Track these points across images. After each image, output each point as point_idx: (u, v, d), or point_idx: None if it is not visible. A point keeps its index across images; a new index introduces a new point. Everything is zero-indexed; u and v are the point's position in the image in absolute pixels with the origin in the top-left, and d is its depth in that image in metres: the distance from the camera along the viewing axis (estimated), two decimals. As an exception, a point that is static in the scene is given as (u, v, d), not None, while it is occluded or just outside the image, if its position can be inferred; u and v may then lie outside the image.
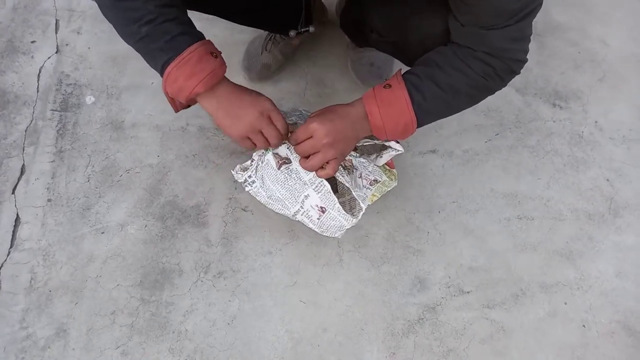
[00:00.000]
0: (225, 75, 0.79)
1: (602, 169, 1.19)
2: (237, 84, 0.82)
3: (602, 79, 1.31)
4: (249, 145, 0.84)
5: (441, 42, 0.81)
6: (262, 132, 0.82)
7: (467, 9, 0.72)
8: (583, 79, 1.31)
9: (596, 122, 1.25)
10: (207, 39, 0.78)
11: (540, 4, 0.71)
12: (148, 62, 0.77)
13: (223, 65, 0.78)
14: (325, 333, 0.98)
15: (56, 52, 1.27)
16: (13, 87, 1.21)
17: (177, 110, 0.86)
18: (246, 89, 0.82)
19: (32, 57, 1.26)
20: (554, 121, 1.25)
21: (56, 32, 1.30)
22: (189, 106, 0.86)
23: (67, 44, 1.29)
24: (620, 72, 1.33)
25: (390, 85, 0.80)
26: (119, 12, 0.72)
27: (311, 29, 1.11)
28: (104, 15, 0.75)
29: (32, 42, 1.28)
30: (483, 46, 0.75)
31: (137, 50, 0.75)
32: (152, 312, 0.98)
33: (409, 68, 0.84)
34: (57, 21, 1.32)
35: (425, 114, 0.81)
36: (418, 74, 0.80)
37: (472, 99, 0.83)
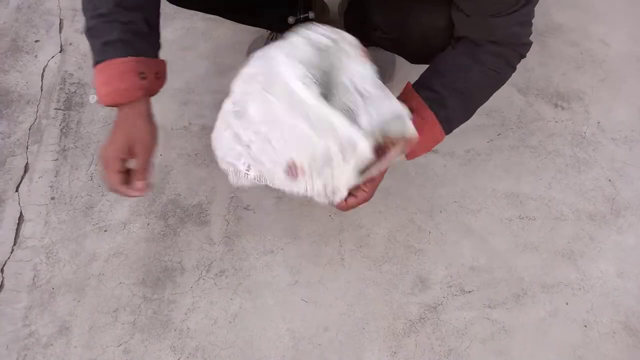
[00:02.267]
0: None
1: (603, 169, 1.19)
2: (148, 115, 0.77)
3: (603, 80, 1.31)
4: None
5: (444, 37, 0.82)
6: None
7: None
8: (584, 79, 1.32)
9: (598, 122, 1.25)
10: (157, 57, 0.77)
11: None
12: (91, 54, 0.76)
13: (142, 89, 0.74)
14: (327, 332, 0.98)
15: (60, 52, 1.28)
16: (17, 87, 1.22)
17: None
18: (147, 121, 0.77)
19: (35, 56, 1.27)
20: (555, 121, 1.25)
21: (60, 32, 1.31)
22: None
23: (70, 44, 1.30)
24: (621, 72, 1.33)
25: (413, 111, 0.74)
26: None
27: (311, 14, 1.11)
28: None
29: (36, 41, 1.29)
30: (491, 35, 0.75)
31: (87, 38, 0.75)
32: (154, 310, 0.98)
33: (411, 65, 0.84)
34: (61, 21, 1.33)
35: (451, 124, 0.82)
36: (435, 88, 0.79)
37: (489, 95, 0.83)
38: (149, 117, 0.77)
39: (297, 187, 0.71)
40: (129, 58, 0.71)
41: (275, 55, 0.67)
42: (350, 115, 0.66)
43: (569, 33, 1.40)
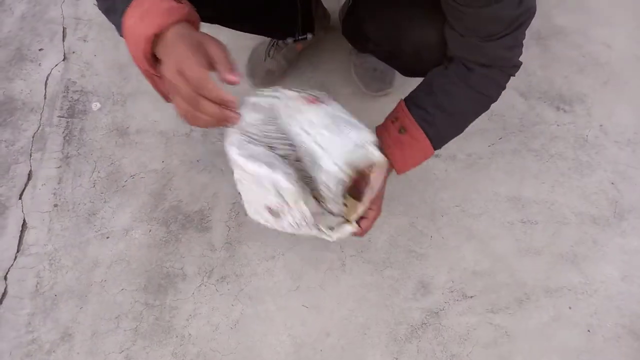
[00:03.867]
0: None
1: (606, 172, 1.18)
2: (194, 33, 0.63)
3: (606, 82, 1.31)
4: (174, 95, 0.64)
5: (436, 53, 0.82)
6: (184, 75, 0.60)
7: (463, 17, 0.73)
8: (587, 82, 1.31)
9: (601, 125, 1.24)
10: None
11: (535, 12, 0.72)
12: (115, 26, 0.67)
13: (186, 8, 0.63)
14: (328, 338, 0.98)
15: (63, 60, 1.29)
16: (21, 94, 1.23)
17: (166, 98, 0.72)
18: (194, 33, 0.63)
19: (39, 64, 1.28)
20: (558, 125, 1.25)
21: (63, 40, 1.32)
22: None
23: (73, 52, 1.31)
24: (624, 75, 1.32)
25: (405, 129, 0.80)
26: None
27: (309, 36, 1.12)
28: None
29: (40, 50, 1.31)
30: (482, 57, 0.76)
31: (106, 13, 0.68)
32: (156, 316, 0.99)
33: (398, 93, 0.86)
34: (64, 29, 1.34)
35: (440, 143, 0.84)
36: (426, 107, 0.81)
37: (479, 114, 0.86)
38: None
39: (285, 224, 0.77)
40: None
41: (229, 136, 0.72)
42: (311, 160, 0.70)
43: (571, 36, 1.39)
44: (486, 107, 0.85)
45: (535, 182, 1.17)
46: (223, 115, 0.63)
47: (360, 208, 0.78)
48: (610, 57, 1.35)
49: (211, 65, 0.61)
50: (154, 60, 0.63)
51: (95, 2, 0.69)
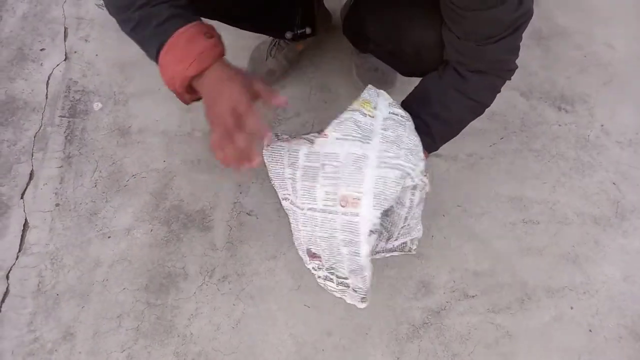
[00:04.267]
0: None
1: (608, 172, 1.18)
2: (235, 67, 0.71)
3: (608, 83, 1.31)
4: (220, 133, 0.68)
5: (435, 53, 0.83)
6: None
7: (461, 20, 0.73)
8: (589, 82, 1.31)
9: (602, 125, 1.24)
10: (204, 22, 0.72)
11: (532, 15, 0.72)
12: (147, 54, 0.73)
13: (218, 46, 0.70)
14: (330, 337, 0.98)
15: (65, 60, 1.29)
16: (22, 94, 1.23)
17: (186, 102, 0.77)
18: (239, 72, 0.71)
19: (41, 64, 1.28)
20: (559, 125, 1.25)
21: (65, 40, 1.33)
22: (199, 98, 0.76)
23: (75, 52, 1.31)
24: (626, 75, 1.32)
25: None
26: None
27: (307, 30, 1.12)
28: (106, 6, 0.73)
29: (42, 49, 1.31)
30: (478, 61, 0.77)
31: (134, 40, 0.72)
32: (157, 315, 0.99)
33: (399, 93, 0.88)
34: (65, 29, 1.34)
35: (434, 148, 0.87)
36: (424, 118, 0.83)
37: (472, 119, 0.88)
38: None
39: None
40: (187, 26, 0.68)
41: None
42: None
43: (573, 36, 1.39)
44: (480, 112, 0.87)
45: (536, 182, 1.17)
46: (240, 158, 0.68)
47: None
48: (612, 57, 1.35)
49: (256, 97, 0.69)
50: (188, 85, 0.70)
51: (98, 4, 0.71)
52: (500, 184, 1.16)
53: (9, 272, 1.02)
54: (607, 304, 1.03)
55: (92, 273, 1.03)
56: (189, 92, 0.72)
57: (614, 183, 1.16)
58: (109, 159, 1.15)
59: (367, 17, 0.95)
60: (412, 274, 1.05)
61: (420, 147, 0.77)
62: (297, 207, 0.77)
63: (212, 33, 0.71)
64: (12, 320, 0.98)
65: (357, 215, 0.70)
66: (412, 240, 0.87)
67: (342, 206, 0.71)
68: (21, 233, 1.06)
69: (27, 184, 1.12)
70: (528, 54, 1.34)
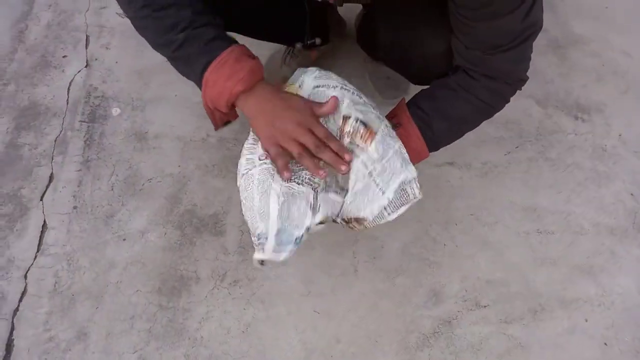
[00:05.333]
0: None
1: (625, 183, 1.16)
2: (278, 87, 0.78)
3: (625, 91, 1.29)
4: (278, 155, 0.73)
5: (444, 61, 0.83)
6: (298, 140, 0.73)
7: (469, 30, 0.73)
8: (606, 91, 1.29)
9: (619, 135, 1.22)
10: (240, 43, 0.76)
11: (541, 27, 0.72)
12: (185, 73, 0.76)
13: (261, 66, 0.75)
14: (339, 344, 0.98)
15: (86, 66, 1.33)
16: (44, 100, 1.27)
17: (217, 127, 0.82)
18: (288, 93, 0.77)
19: (63, 71, 1.32)
20: (575, 134, 1.23)
21: (86, 47, 1.36)
22: (228, 122, 0.82)
23: (96, 59, 1.35)
24: (644, 84, 1.30)
25: (400, 124, 0.83)
26: (154, 22, 0.72)
27: (317, 41, 1.13)
28: (137, 28, 0.76)
29: (64, 56, 1.35)
30: (487, 70, 0.77)
31: (174, 59, 0.75)
32: (169, 318, 1.00)
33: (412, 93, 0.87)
34: (87, 37, 1.38)
35: (436, 144, 0.85)
36: (425, 109, 0.83)
37: (478, 123, 0.87)
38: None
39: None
40: (232, 46, 0.72)
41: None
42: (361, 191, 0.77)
43: (590, 44, 1.38)
44: (486, 117, 0.85)
45: (551, 191, 1.15)
46: (336, 163, 0.73)
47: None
48: (629, 65, 1.33)
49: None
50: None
51: (119, 13, 0.74)
52: (515, 193, 1.15)
53: (27, 272, 1.05)
54: (622, 316, 1.01)
55: (107, 274, 1.05)
56: (230, 110, 0.76)
57: (631, 194, 1.14)
58: (125, 163, 1.18)
59: (378, 27, 0.96)
60: (422, 282, 1.04)
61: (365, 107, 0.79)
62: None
63: (252, 55, 0.75)
64: (28, 319, 1.00)
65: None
66: (405, 183, 0.77)
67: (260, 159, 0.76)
68: (40, 234, 1.09)
69: (47, 187, 1.15)
70: (544, 61, 1.33)
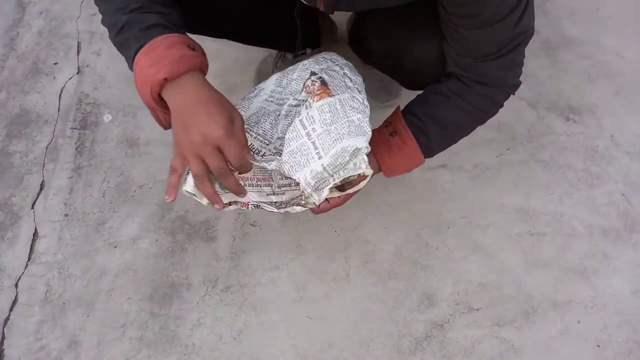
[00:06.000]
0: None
1: (617, 184, 1.16)
2: (212, 88, 0.68)
3: (617, 93, 1.29)
4: (179, 166, 0.70)
5: (436, 68, 0.83)
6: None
7: (460, 38, 0.74)
8: (597, 92, 1.29)
9: (611, 136, 1.22)
10: (190, 37, 0.70)
11: (532, 34, 0.73)
12: (125, 58, 0.70)
13: (199, 58, 0.67)
14: (331, 349, 0.98)
15: (77, 73, 1.33)
16: (36, 107, 1.27)
17: (165, 126, 0.74)
18: (214, 96, 0.68)
19: (54, 78, 1.32)
20: (567, 135, 1.23)
21: (78, 54, 1.36)
22: None
23: (87, 65, 1.34)
24: (636, 85, 1.30)
25: (396, 133, 0.82)
26: (107, 4, 0.69)
27: (308, 51, 1.14)
28: (100, 10, 0.72)
29: (55, 63, 1.34)
30: (478, 76, 0.77)
31: (116, 45, 0.70)
32: (160, 325, 1.00)
33: (405, 104, 0.87)
34: (78, 43, 1.38)
35: (431, 151, 0.85)
36: (419, 115, 0.83)
37: (472, 129, 0.87)
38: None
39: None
40: (172, 34, 0.66)
41: None
42: (301, 153, 0.71)
43: (582, 46, 1.38)
44: (480, 122, 0.86)
45: (543, 193, 1.15)
46: (239, 191, 0.74)
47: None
48: (621, 67, 1.33)
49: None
50: (159, 98, 0.67)
51: (106, 30, 0.72)
52: (507, 195, 1.15)
53: (18, 280, 1.04)
54: (615, 318, 1.00)
55: (98, 282, 1.04)
56: (161, 107, 0.68)
57: (623, 194, 1.14)
58: (117, 169, 1.18)
59: (369, 32, 0.96)
60: (415, 285, 1.04)
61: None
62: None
63: (195, 46, 0.68)
64: (19, 328, 1.00)
65: None
66: (348, 150, 0.69)
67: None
68: (31, 242, 1.08)
69: (38, 195, 1.14)
70: (536, 63, 1.33)
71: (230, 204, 0.79)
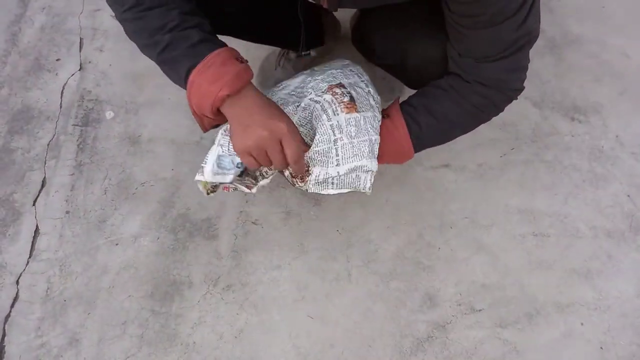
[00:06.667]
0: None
1: (622, 184, 1.15)
2: (267, 97, 0.76)
3: (622, 92, 1.27)
4: (249, 162, 0.75)
5: (438, 68, 0.82)
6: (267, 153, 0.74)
7: (462, 38, 0.73)
8: (603, 92, 1.28)
9: (617, 136, 1.21)
10: (233, 48, 0.74)
11: (537, 36, 0.71)
12: (170, 75, 0.74)
13: (249, 70, 0.73)
14: (332, 349, 0.97)
15: (79, 70, 1.32)
16: (37, 103, 1.26)
17: (205, 130, 0.79)
18: (272, 103, 0.76)
19: (56, 74, 1.31)
20: (572, 135, 1.22)
21: (80, 50, 1.36)
22: (218, 125, 0.80)
23: (90, 62, 1.34)
24: (642, 85, 1.29)
25: (388, 115, 0.83)
26: (141, 23, 0.70)
27: (312, 53, 1.13)
28: (126, 31, 0.74)
29: (57, 60, 1.34)
30: (479, 77, 0.76)
31: (160, 62, 0.73)
32: (161, 323, 0.99)
33: (408, 94, 0.87)
34: (81, 40, 1.38)
35: (422, 142, 0.84)
36: (415, 105, 0.83)
37: (468, 128, 0.86)
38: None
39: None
40: (219, 49, 0.70)
41: None
42: (321, 152, 0.78)
43: (587, 45, 1.37)
44: (477, 122, 0.85)
45: (547, 194, 1.14)
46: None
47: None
48: (627, 66, 1.32)
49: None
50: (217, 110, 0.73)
51: (114, 15, 0.72)
52: (510, 195, 1.14)
53: (19, 277, 1.04)
54: (619, 320, 0.99)
55: (99, 280, 1.04)
56: (216, 115, 0.73)
57: (628, 195, 1.13)
58: (118, 167, 1.17)
59: (372, 31, 0.95)
60: (417, 286, 1.03)
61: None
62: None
63: (242, 58, 0.73)
64: (20, 325, 0.99)
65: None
66: (362, 169, 0.79)
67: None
68: (32, 239, 1.08)
69: (39, 192, 1.14)
70: (541, 62, 1.32)
71: (214, 188, 0.83)
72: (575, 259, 1.06)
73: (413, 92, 0.92)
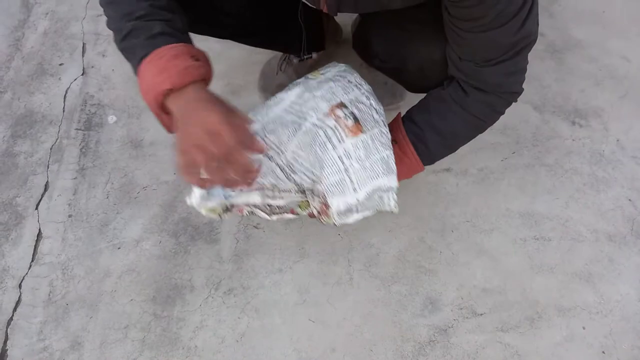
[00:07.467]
0: (231, 94, 0.75)
1: (624, 188, 1.15)
2: (215, 95, 0.67)
3: (623, 96, 1.28)
4: (188, 161, 0.64)
5: (440, 70, 0.83)
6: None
7: (462, 41, 0.73)
8: (604, 96, 1.28)
9: (618, 140, 1.21)
10: (196, 47, 0.70)
11: (536, 39, 0.72)
12: (131, 64, 0.70)
13: (202, 68, 0.67)
14: (334, 353, 0.97)
15: (82, 74, 1.33)
16: (40, 108, 1.27)
17: (169, 130, 0.72)
18: (217, 99, 0.66)
19: (59, 78, 1.32)
20: (573, 139, 1.22)
21: (83, 55, 1.37)
22: None
23: (92, 66, 1.35)
24: (643, 89, 1.29)
25: (395, 142, 0.84)
26: (113, 7, 0.69)
27: (314, 55, 1.14)
28: (106, 14, 0.72)
29: (60, 64, 1.35)
30: (479, 82, 0.77)
31: (121, 49, 0.70)
32: (163, 327, 1.00)
33: (408, 107, 0.89)
34: (84, 44, 1.39)
35: (429, 158, 0.86)
36: (419, 123, 0.84)
37: (472, 137, 0.88)
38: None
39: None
40: (178, 44, 0.66)
41: None
42: (336, 185, 0.78)
43: (588, 49, 1.37)
44: (480, 130, 0.86)
45: (548, 197, 1.14)
46: (246, 179, 0.67)
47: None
48: (628, 70, 1.32)
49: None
50: (164, 105, 0.67)
51: (111, 32, 0.71)
52: (511, 199, 1.14)
53: (21, 281, 1.04)
54: (621, 324, 0.99)
55: (101, 283, 1.04)
56: (165, 112, 0.68)
57: (629, 199, 1.13)
58: (121, 171, 1.18)
59: (373, 35, 0.96)
60: (418, 290, 1.04)
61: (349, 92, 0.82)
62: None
63: (199, 56, 0.68)
64: (23, 328, 1.00)
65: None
66: (382, 189, 0.78)
67: None
68: (34, 243, 1.09)
69: (42, 195, 1.14)
70: (542, 66, 1.32)
71: (227, 210, 0.81)
72: (576, 263, 1.06)
73: (414, 97, 0.93)
